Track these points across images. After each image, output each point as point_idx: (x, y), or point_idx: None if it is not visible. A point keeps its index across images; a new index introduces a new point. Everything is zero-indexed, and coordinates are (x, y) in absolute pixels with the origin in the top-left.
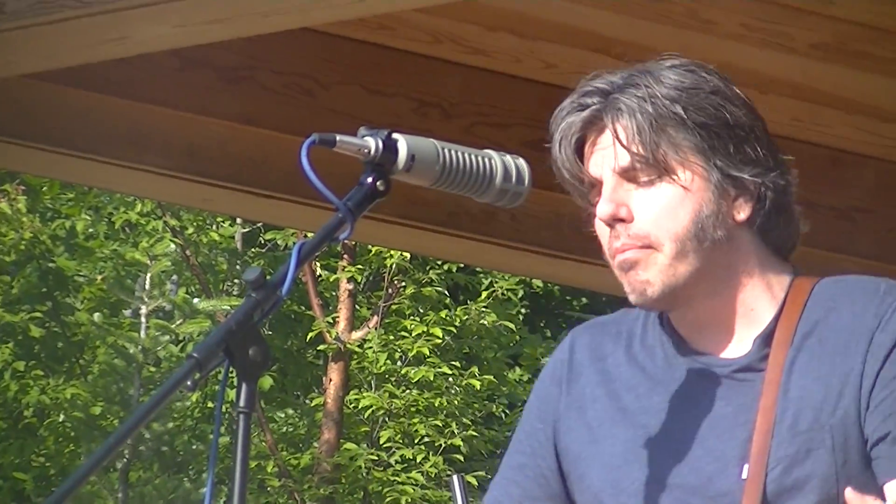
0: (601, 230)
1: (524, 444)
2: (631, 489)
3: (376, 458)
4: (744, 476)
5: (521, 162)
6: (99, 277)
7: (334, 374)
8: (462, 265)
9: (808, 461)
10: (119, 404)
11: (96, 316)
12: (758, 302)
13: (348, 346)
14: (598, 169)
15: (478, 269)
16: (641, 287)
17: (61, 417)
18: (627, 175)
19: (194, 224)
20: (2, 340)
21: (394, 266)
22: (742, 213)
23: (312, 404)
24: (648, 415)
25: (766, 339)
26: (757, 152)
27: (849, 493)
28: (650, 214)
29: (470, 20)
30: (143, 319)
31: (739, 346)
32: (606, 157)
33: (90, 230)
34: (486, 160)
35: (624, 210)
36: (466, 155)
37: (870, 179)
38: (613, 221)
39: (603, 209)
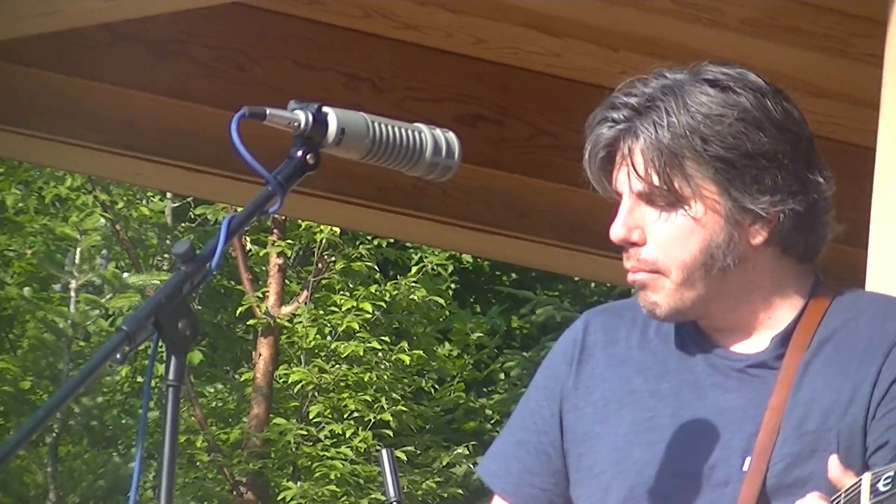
0: (619, 249)
1: (528, 420)
2: (632, 469)
3: (306, 433)
4: (745, 468)
5: (451, 136)
6: (29, 252)
7: (264, 348)
8: (392, 240)
9: (812, 461)
10: (49, 379)
11: (26, 290)
12: (776, 310)
13: (278, 320)
14: (621, 186)
15: (408, 244)
16: (651, 307)
17: None
18: (644, 198)
19: (124, 199)
20: None
21: (323, 241)
22: (759, 238)
23: (242, 379)
24: (656, 399)
25: (784, 339)
26: (777, 180)
27: (831, 462)
28: (660, 242)
29: None
30: (72, 294)
31: (756, 343)
32: (623, 179)
33: (20, 204)
34: (416, 133)
35: (636, 234)
36: (396, 128)
37: None
38: (626, 244)
39: (615, 232)
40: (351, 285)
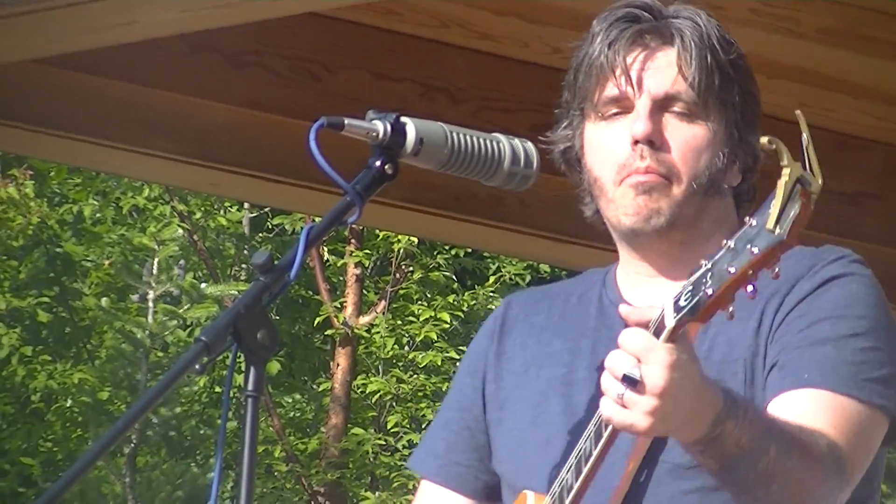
0: (615, 144)
1: (452, 400)
2: (548, 421)
3: (384, 442)
4: None
5: (530, 145)
6: (106, 262)
7: (342, 358)
8: (470, 250)
9: None
10: (126, 389)
11: (104, 301)
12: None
13: (356, 330)
14: (646, 84)
15: (485, 253)
16: (649, 213)
17: (69, 402)
18: (667, 102)
19: (202, 209)
20: (9, 325)
21: (401, 250)
22: (734, 180)
23: (320, 389)
24: (573, 355)
25: None
26: (756, 128)
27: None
28: (682, 149)
29: (477, 5)
30: (150, 304)
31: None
32: (655, 78)
33: (97, 215)
34: (495, 143)
35: (659, 139)
36: (474, 138)
37: (876, 164)
38: (646, 142)
39: (640, 128)
40: (428, 295)
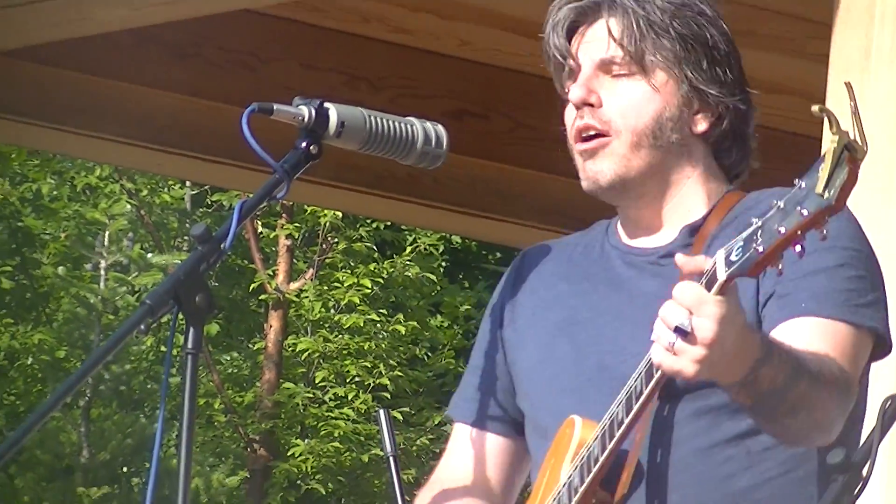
0: (569, 117)
1: (478, 348)
2: (557, 358)
3: (312, 395)
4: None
5: (440, 128)
6: (62, 235)
7: (274, 320)
8: (389, 223)
9: None
10: (81, 349)
11: (60, 269)
12: (694, 203)
13: (287, 295)
14: (581, 56)
15: (403, 226)
16: (594, 175)
17: (29, 360)
18: (605, 67)
19: (148, 186)
20: None
21: (327, 224)
22: (700, 125)
23: (255, 348)
24: (577, 297)
25: (693, 230)
26: (726, 75)
27: (677, 256)
28: (618, 104)
29: (394, 2)
30: (102, 272)
31: (667, 236)
32: (591, 48)
33: (54, 192)
34: (409, 126)
35: (594, 97)
36: (391, 122)
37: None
38: (583, 104)
39: (576, 92)
40: (352, 264)
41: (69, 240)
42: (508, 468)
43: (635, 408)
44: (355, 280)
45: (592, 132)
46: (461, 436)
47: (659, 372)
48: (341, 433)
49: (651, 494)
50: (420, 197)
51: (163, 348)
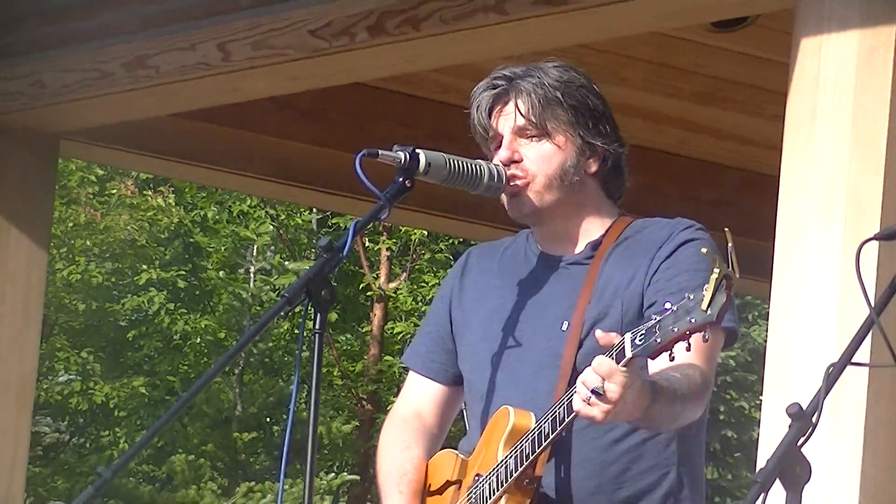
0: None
1: (430, 318)
2: (491, 337)
3: (405, 366)
4: (564, 328)
5: (501, 168)
6: (222, 248)
7: (377, 311)
8: (461, 239)
9: (606, 318)
10: (236, 331)
11: (220, 273)
12: (593, 225)
13: (386, 292)
14: (501, 128)
15: (472, 241)
16: (519, 206)
17: (198, 340)
18: (521, 133)
19: (285, 213)
20: (159, 290)
21: (416, 239)
22: (592, 168)
23: (363, 331)
24: (508, 290)
25: (595, 245)
26: (605, 129)
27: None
28: (534, 159)
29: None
30: (251, 275)
31: (576, 249)
32: (507, 120)
33: (216, 217)
34: (477, 166)
35: (517, 155)
36: (464, 162)
37: (732, 181)
38: (509, 162)
39: (504, 154)
40: (435, 269)
41: (227, 252)
42: (445, 408)
43: (558, 428)
44: (437, 281)
45: (518, 181)
46: (415, 380)
47: (575, 414)
48: None
49: (559, 469)
50: (484, 219)
51: (296, 330)
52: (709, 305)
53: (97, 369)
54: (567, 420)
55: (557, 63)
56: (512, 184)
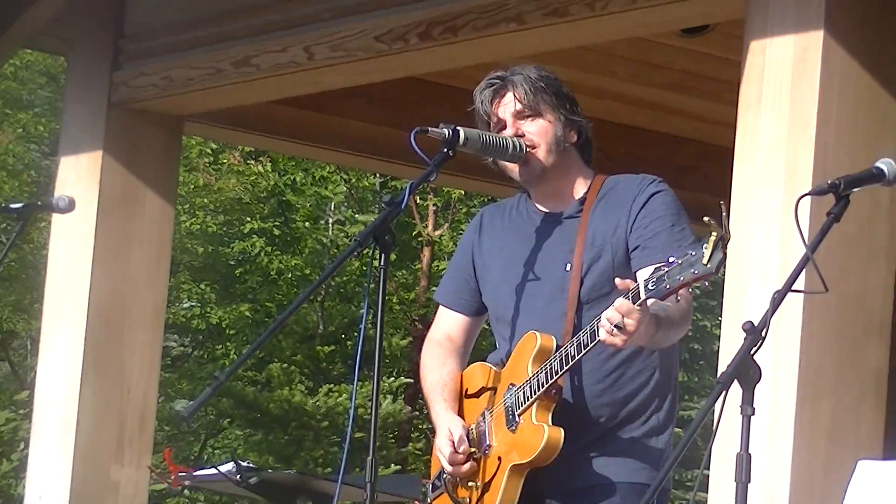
0: None
1: (455, 261)
2: (508, 279)
3: None
4: (568, 269)
5: (521, 140)
6: (307, 205)
7: (426, 252)
8: (490, 196)
9: (599, 261)
10: (318, 269)
11: (306, 224)
12: (579, 184)
13: (433, 238)
14: (503, 114)
15: (497, 198)
16: (531, 169)
17: (290, 275)
18: (519, 115)
19: (356, 177)
20: (258, 237)
21: (456, 197)
22: (573, 138)
23: (415, 268)
24: (517, 243)
25: (582, 201)
26: (576, 110)
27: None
28: (534, 132)
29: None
30: (330, 225)
31: (568, 206)
32: (507, 107)
33: (303, 180)
34: (503, 139)
35: (520, 131)
36: (493, 137)
37: (690, 150)
38: (517, 136)
39: (509, 132)
40: (470, 220)
41: (311, 207)
42: (470, 332)
43: (584, 352)
44: None
45: (528, 148)
46: (445, 313)
47: (598, 341)
48: None
49: (573, 380)
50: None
51: (365, 267)
52: (709, 260)
53: (212, 298)
54: (591, 346)
55: (534, 65)
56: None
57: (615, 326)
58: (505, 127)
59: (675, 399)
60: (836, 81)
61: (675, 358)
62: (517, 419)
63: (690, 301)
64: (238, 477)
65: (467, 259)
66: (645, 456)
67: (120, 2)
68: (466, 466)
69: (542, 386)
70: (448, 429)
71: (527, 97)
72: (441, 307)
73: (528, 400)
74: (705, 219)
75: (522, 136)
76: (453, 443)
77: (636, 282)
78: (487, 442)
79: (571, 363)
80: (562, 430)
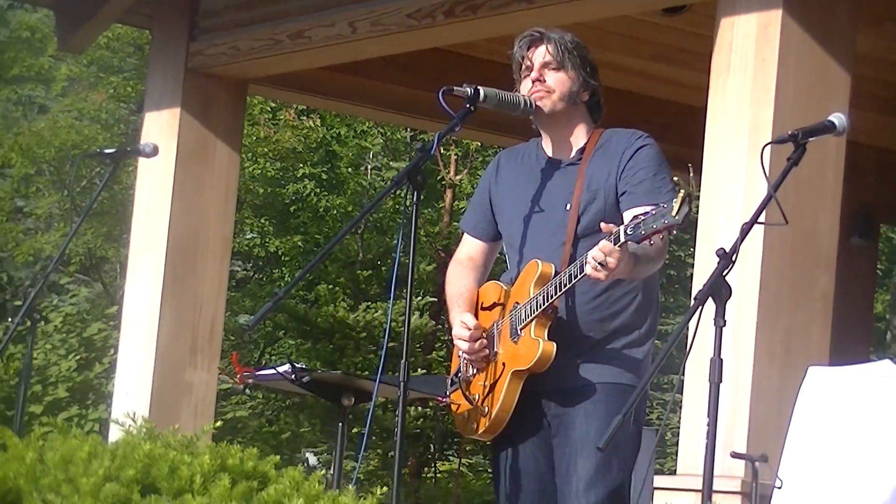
0: (526, 87)
1: (477, 196)
2: (521, 214)
3: None
4: (568, 208)
5: (530, 98)
6: (350, 154)
7: (448, 194)
8: (502, 146)
9: (594, 203)
10: (358, 206)
11: (349, 169)
12: (581, 134)
13: (454, 181)
14: (534, 59)
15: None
16: (542, 111)
17: (334, 212)
18: (545, 66)
19: (390, 130)
20: (310, 180)
21: (474, 147)
22: (584, 97)
23: (439, 206)
24: (527, 183)
25: (582, 150)
26: (593, 74)
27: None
28: (553, 81)
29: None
30: (369, 170)
31: (570, 153)
32: (539, 56)
33: (346, 133)
34: (517, 97)
35: (543, 76)
36: (508, 95)
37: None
38: (537, 80)
39: (534, 75)
40: (486, 167)
41: (353, 155)
42: (488, 254)
43: (573, 281)
44: None
45: (543, 90)
46: (468, 239)
47: (585, 274)
48: None
49: (567, 301)
50: (517, 134)
51: (398, 206)
52: (677, 213)
53: (270, 230)
54: (579, 277)
55: (570, 33)
56: (539, 93)
57: (599, 264)
58: (532, 69)
59: (656, 318)
60: (793, 52)
61: (655, 284)
62: (519, 332)
63: (666, 240)
64: (293, 376)
65: (486, 195)
66: (625, 363)
67: None
68: (480, 344)
69: (540, 307)
70: (461, 321)
71: (557, 53)
72: (465, 234)
73: (528, 317)
74: (675, 178)
75: (543, 81)
76: (468, 328)
77: (623, 221)
78: (495, 349)
79: (564, 290)
80: (555, 344)
